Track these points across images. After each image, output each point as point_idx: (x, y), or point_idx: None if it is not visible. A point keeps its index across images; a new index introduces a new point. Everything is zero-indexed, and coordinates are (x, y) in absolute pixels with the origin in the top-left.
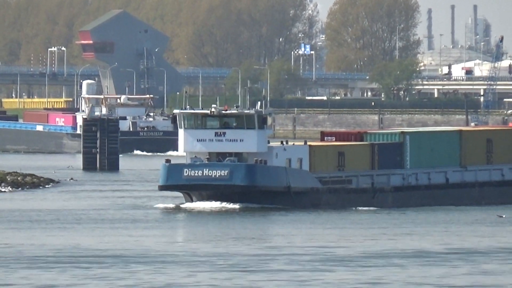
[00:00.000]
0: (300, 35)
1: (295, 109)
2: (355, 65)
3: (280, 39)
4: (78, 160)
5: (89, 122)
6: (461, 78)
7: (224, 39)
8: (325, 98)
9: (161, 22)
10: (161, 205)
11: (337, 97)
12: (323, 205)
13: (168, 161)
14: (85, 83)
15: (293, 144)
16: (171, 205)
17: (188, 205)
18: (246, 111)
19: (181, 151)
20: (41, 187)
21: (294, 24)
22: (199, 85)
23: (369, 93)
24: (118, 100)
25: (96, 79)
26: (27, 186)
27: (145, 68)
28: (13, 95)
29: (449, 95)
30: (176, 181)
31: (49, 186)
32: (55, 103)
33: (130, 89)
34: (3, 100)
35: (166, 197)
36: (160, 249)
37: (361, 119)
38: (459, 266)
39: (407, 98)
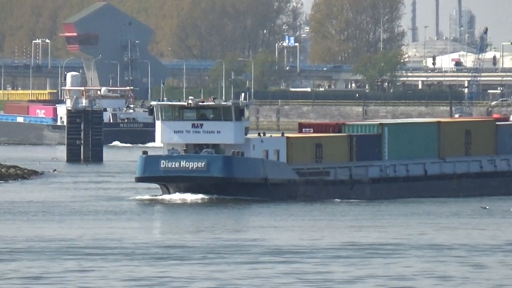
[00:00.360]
0: (284, 27)
1: (279, 100)
2: (339, 57)
3: (264, 31)
4: (60, 152)
5: (73, 114)
6: (450, 70)
7: (208, 31)
8: (309, 89)
9: (145, 14)
10: (138, 197)
11: (321, 89)
12: (300, 197)
13: (145, 152)
14: (69, 75)
15: (271, 135)
16: (147, 197)
17: (164, 197)
18: (223, 103)
19: (158, 143)
20: (24, 179)
21: (278, 16)
22: (183, 77)
23: (353, 85)
24: (99, 92)
25: (81, 71)
26: (11, 178)
27: (129, 60)
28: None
29: (433, 87)
30: (153, 173)
31: (32, 178)
32: (39, 95)
33: (114, 81)
34: None
35: (147, 189)
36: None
37: (345, 110)
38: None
39: (391, 90)
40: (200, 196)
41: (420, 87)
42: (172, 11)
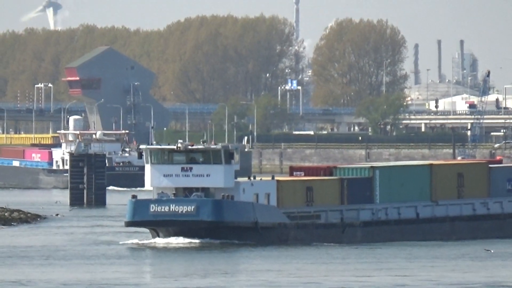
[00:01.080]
0: (286, 70)
1: (282, 144)
2: (342, 100)
3: (267, 75)
4: (57, 196)
5: (76, 158)
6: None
7: (210, 75)
8: (312, 133)
9: (147, 58)
10: (127, 241)
11: (324, 132)
12: (291, 241)
13: (134, 196)
14: (71, 119)
15: (261, 179)
16: (137, 241)
17: (154, 240)
18: (212, 147)
19: (147, 186)
20: (27, 223)
21: (280, 59)
22: (186, 121)
23: (356, 128)
24: (94, 136)
25: (83, 115)
26: (14, 222)
27: (132, 104)
28: (0, 131)
29: (436, 129)
30: (142, 217)
31: (36, 222)
32: (42, 139)
33: (117, 125)
34: None
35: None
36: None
37: (348, 153)
38: None
39: (394, 133)
40: (189, 240)
41: (423, 129)
42: (174, 55)
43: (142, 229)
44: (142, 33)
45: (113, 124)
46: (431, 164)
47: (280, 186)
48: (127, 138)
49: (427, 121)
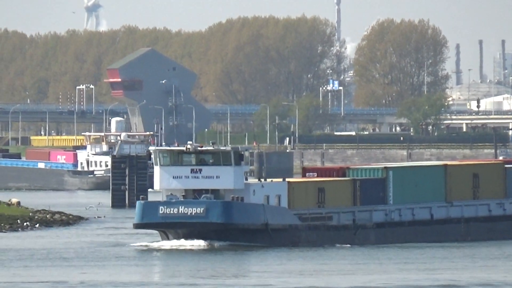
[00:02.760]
0: (328, 71)
1: (324, 144)
2: (384, 100)
3: (309, 75)
4: (80, 197)
5: (118, 159)
6: (506, 112)
7: (252, 76)
8: (353, 133)
9: (189, 59)
10: (137, 243)
11: (366, 132)
12: (302, 243)
13: (143, 198)
14: (113, 120)
15: (271, 180)
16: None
17: (164, 243)
18: (222, 148)
19: (157, 188)
20: (69, 224)
21: (322, 60)
22: (227, 122)
23: (398, 128)
24: (119, 138)
25: (125, 116)
26: (56, 224)
27: (174, 105)
28: (42, 133)
29: (477, 130)
30: (151, 219)
31: (77, 223)
32: (84, 140)
33: (159, 126)
34: (32, 138)
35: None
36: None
37: (390, 154)
38: None
39: (436, 133)
40: (199, 242)
41: (464, 129)
42: (216, 56)
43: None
44: (183, 34)
45: (155, 125)
46: (445, 165)
47: (291, 188)
48: (151, 139)
49: (469, 121)
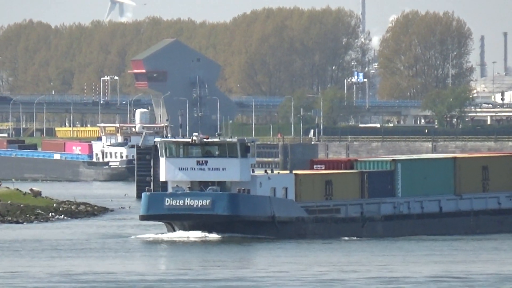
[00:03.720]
0: (353, 63)
1: (349, 136)
2: (408, 93)
3: (333, 67)
4: (96, 188)
5: (142, 150)
6: None
7: (276, 67)
8: (378, 125)
9: (213, 50)
10: (142, 235)
11: (390, 125)
12: (309, 235)
13: (149, 190)
14: (138, 111)
15: (278, 172)
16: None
17: (169, 235)
18: (228, 139)
19: (162, 180)
20: (94, 215)
21: (347, 52)
22: (252, 114)
23: (423, 121)
24: (133, 129)
25: (149, 107)
26: (81, 215)
27: (198, 97)
28: (67, 124)
29: (502, 122)
30: (157, 211)
31: (102, 214)
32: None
33: (183, 118)
34: (56, 129)
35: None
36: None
37: (414, 146)
38: None
39: (460, 125)
40: (204, 234)
41: (489, 122)
42: (241, 47)
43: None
44: (208, 25)
45: (179, 117)
46: (454, 157)
47: (298, 180)
48: (166, 130)
49: (493, 114)
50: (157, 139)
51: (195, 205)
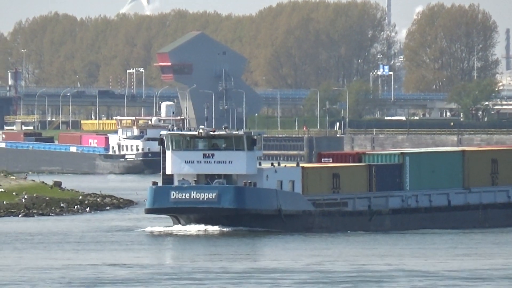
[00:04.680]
0: (378, 56)
1: (374, 129)
2: (434, 86)
3: (359, 60)
4: (111, 181)
5: None
6: None
7: (302, 60)
8: (404, 118)
9: (239, 43)
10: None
11: (416, 118)
12: (316, 229)
13: (155, 183)
14: (164, 104)
15: (285, 165)
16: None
17: (176, 228)
18: (234, 132)
19: (169, 173)
20: (119, 208)
21: (372, 45)
22: (277, 107)
23: (448, 113)
24: (149, 122)
25: (175, 100)
26: (106, 207)
27: (224, 90)
28: (92, 116)
29: None
30: (163, 204)
31: (127, 207)
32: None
33: (209, 111)
34: (82, 121)
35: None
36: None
37: (440, 139)
38: None
39: (486, 118)
40: (211, 227)
41: None
42: (266, 40)
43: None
44: (233, 18)
45: (205, 110)
46: (463, 151)
47: (305, 173)
48: (182, 124)
49: None
50: (163, 132)
51: (201, 198)
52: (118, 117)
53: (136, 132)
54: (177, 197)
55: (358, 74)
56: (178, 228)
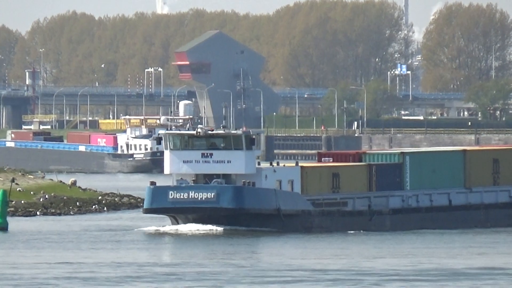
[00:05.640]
0: (396, 55)
1: (392, 129)
2: (451, 85)
3: (376, 59)
4: (120, 180)
5: None
6: None
7: (320, 59)
8: (421, 117)
9: (257, 42)
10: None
11: (434, 117)
12: (315, 229)
13: (153, 183)
14: (182, 103)
15: (284, 165)
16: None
17: (172, 227)
18: (233, 132)
19: (167, 172)
20: (137, 208)
21: (390, 44)
22: (295, 106)
23: (466, 113)
24: (158, 121)
25: (193, 99)
26: (125, 207)
27: (242, 89)
28: (110, 116)
29: None
30: (161, 204)
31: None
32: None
33: (227, 110)
34: (100, 121)
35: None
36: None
37: (457, 139)
38: None
39: (504, 118)
40: (209, 227)
41: None
42: (284, 39)
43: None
44: (251, 17)
45: (223, 109)
46: (464, 150)
47: (304, 173)
48: (190, 123)
49: None
50: (161, 132)
51: (199, 198)
52: (127, 117)
53: (144, 131)
54: (175, 197)
55: (375, 73)
56: (187, 228)
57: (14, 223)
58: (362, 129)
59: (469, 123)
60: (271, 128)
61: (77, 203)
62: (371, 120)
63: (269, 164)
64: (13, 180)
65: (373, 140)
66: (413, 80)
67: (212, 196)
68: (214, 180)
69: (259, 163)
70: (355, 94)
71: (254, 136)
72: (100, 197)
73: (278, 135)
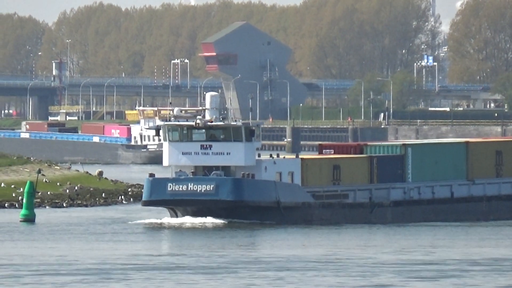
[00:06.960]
0: (422, 46)
1: (418, 120)
2: (478, 76)
3: (403, 51)
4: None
5: None
6: None
7: (346, 50)
8: (448, 109)
9: (284, 34)
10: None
11: (460, 108)
12: (315, 221)
13: (152, 175)
14: (208, 95)
15: (284, 157)
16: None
17: (171, 220)
18: (233, 123)
19: (166, 164)
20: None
21: (416, 35)
22: (322, 97)
23: (492, 104)
24: (171, 112)
25: (220, 91)
26: (140, 198)
27: (268, 80)
28: (137, 106)
29: None
30: (159, 196)
31: None
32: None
33: (254, 101)
34: (126, 112)
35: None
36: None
37: (484, 130)
38: None
39: None
40: (209, 219)
41: None
42: (311, 30)
43: None
44: (278, 8)
45: (250, 100)
46: (467, 142)
47: (304, 165)
48: (203, 114)
49: None
50: (160, 123)
51: (198, 190)
52: (141, 108)
53: (158, 122)
54: (174, 189)
55: (402, 65)
56: (191, 220)
57: (43, 214)
58: (388, 121)
59: (496, 115)
60: (297, 120)
61: (103, 194)
62: (397, 111)
63: (269, 156)
64: (39, 171)
65: (399, 131)
66: (440, 72)
67: (211, 188)
68: (213, 172)
69: (259, 155)
70: (381, 85)
71: (253, 128)
72: (125, 188)
73: (305, 126)
